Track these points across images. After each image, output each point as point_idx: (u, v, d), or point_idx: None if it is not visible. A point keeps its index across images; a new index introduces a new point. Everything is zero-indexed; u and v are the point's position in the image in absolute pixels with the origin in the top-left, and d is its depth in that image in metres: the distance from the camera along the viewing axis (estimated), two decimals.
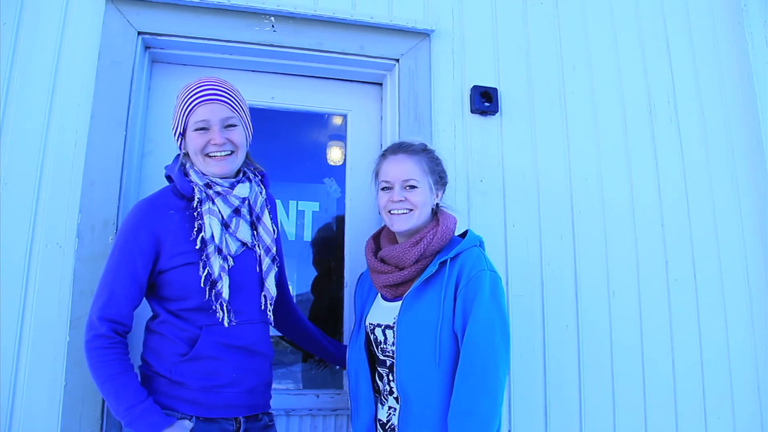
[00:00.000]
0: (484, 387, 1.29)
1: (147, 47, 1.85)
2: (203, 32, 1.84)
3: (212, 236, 1.38)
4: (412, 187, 1.48)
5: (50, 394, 1.55)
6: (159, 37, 1.82)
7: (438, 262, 1.42)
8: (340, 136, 4.21)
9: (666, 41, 2.27)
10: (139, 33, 1.79)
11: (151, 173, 1.86)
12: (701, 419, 2.01)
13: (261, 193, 1.51)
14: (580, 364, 1.93)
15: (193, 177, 1.42)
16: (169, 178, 1.49)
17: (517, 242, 1.96)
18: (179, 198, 1.43)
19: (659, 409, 1.98)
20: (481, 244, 1.51)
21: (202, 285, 1.35)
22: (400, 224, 1.48)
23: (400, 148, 1.54)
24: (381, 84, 2.11)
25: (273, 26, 1.89)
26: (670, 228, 2.11)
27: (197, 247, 1.37)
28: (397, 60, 1.99)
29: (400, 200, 1.47)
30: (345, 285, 1.99)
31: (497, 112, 2.02)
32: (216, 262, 1.36)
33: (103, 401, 1.56)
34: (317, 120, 2.34)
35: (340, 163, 4.80)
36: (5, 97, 1.66)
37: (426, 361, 1.36)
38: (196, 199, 1.41)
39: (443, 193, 1.57)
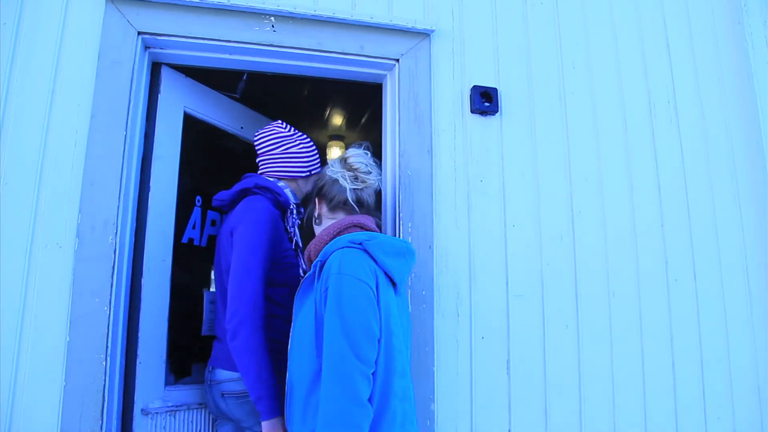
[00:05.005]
0: (325, 395, 1.26)
1: (147, 47, 1.85)
2: (203, 32, 1.84)
3: (297, 242, 1.83)
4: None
5: (50, 394, 1.55)
6: (159, 37, 1.82)
7: (315, 263, 1.42)
8: (340, 136, 4.22)
9: (666, 41, 2.27)
10: (139, 33, 1.79)
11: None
12: (701, 419, 2.01)
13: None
14: (580, 364, 1.93)
15: (291, 196, 1.86)
16: (264, 188, 1.79)
17: (517, 242, 1.96)
18: (277, 207, 1.80)
19: (659, 409, 1.98)
20: (351, 245, 1.40)
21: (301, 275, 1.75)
22: None
23: None
24: (381, 84, 2.11)
25: (273, 26, 1.89)
26: (670, 228, 2.11)
27: (293, 248, 1.80)
28: (397, 60, 1.99)
29: None
30: None
31: (497, 112, 2.02)
32: (301, 262, 1.79)
33: (103, 401, 1.57)
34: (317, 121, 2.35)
35: None
36: (5, 97, 1.66)
37: (306, 357, 1.38)
38: (289, 212, 1.83)
39: (326, 205, 1.61)
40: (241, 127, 2.32)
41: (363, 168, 1.60)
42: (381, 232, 1.58)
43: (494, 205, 1.97)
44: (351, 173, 1.59)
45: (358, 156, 1.62)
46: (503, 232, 1.96)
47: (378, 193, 1.67)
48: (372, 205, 1.64)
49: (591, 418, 1.91)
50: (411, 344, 1.72)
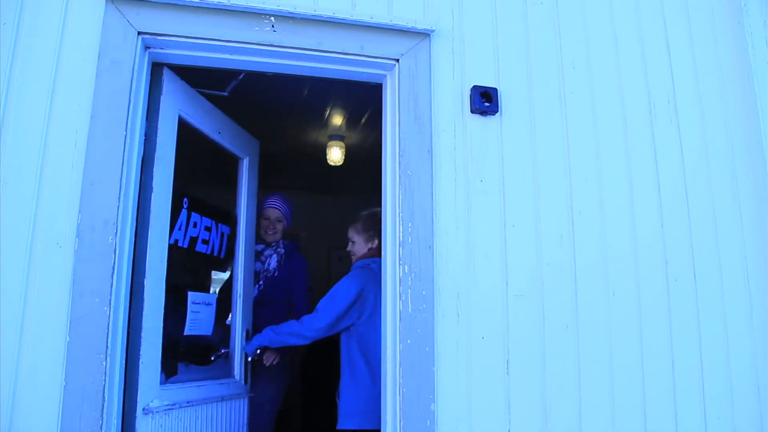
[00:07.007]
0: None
1: (147, 47, 1.85)
2: (203, 32, 1.84)
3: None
4: (351, 241, 2.69)
5: (50, 394, 1.55)
6: (159, 37, 1.82)
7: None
8: (341, 136, 4.21)
9: (666, 41, 2.27)
10: (139, 33, 1.79)
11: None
12: (701, 419, 2.01)
13: (276, 251, 3.04)
14: (580, 364, 1.93)
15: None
16: None
17: (517, 242, 1.96)
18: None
19: (659, 408, 1.98)
20: (364, 266, 2.59)
21: None
22: None
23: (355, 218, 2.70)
24: (381, 84, 2.11)
25: (273, 26, 1.89)
26: (670, 228, 2.11)
27: None
28: (397, 60, 1.99)
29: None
30: None
31: (497, 112, 2.02)
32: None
33: (103, 401, 1.57)
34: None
35: (340, 163, 4.80)
36: (5, 97, 1.66)
37: None
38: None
39: (378, 240, 2.54)
40: (219, 132, 2.37)
41: None
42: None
43: (494, 205, 1.97)
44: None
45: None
46: (503, 232, 1.96)
47: None
48: None
49: (591, 418, 1.91)
50: (411, 342, 1.78)
